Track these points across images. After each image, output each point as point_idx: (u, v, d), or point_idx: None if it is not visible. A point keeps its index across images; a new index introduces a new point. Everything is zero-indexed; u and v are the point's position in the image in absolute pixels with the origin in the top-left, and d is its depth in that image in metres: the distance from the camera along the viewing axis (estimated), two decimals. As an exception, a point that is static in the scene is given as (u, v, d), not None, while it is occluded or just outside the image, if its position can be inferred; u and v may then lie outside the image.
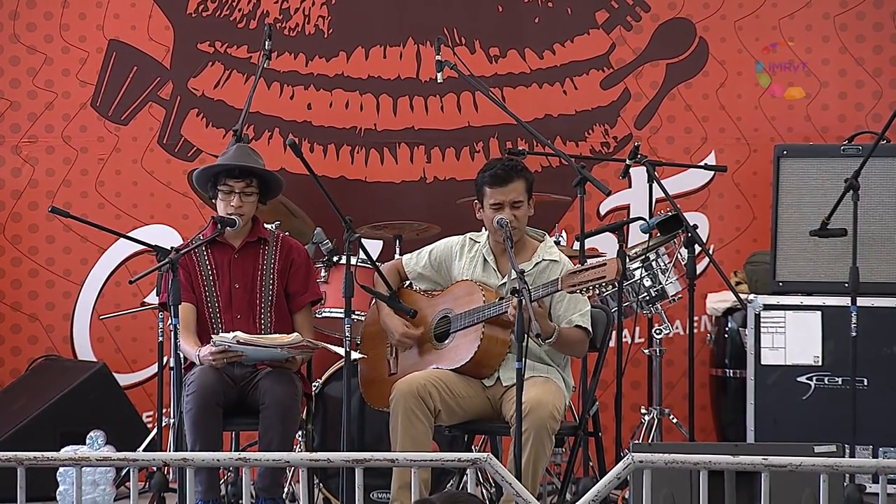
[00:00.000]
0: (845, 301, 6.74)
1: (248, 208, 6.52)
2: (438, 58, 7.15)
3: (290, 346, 6.28)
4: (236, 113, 7.69)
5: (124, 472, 6.83)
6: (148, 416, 7.74)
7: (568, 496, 6.45)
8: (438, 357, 6.35)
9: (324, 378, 6.81)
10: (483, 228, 6.45)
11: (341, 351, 6.24)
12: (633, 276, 7.09)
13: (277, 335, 6.39)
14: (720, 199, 8.08)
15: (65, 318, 8.00)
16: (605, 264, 5.90)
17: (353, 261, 6.40)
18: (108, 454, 6.50)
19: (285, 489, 6.68)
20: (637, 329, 7.58)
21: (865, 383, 6.93)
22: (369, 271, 6.55)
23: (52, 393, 7.38)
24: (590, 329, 6.27)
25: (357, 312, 6.62)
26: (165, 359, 6.62)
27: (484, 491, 6.60)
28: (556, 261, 6.33)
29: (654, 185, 7.29)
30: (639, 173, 7.58)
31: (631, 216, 7.64)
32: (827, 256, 7.10)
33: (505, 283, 6.29)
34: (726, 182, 8.03)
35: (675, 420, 7.27)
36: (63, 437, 7.07)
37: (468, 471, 5.47)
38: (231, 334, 6.26)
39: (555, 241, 6.86)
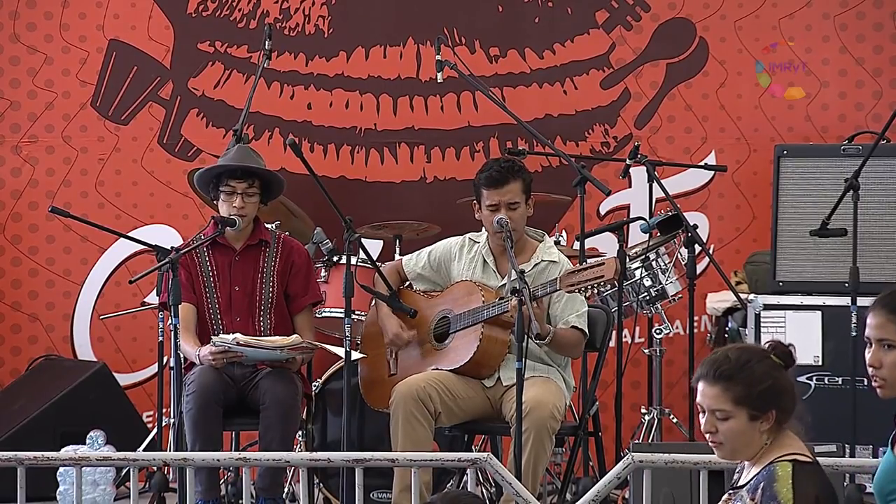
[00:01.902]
0: (845, 301, 6.74)
1: (250, 209, 6.52)
2: (438, 58, 7.15)
3: (290, 348, 6.28)
4: (236, 113, 7.69)
5: (124, 472, 6.83)
6: (148, 416, 7.74)
7: (568, 496, 6.45)
8: (438, 358, 6.35)
9: (324, 378, 6.81)
10: (482, 229, 6.45)
11: (341, 352, 6.24)
12: (634, 275, 7.09)
13: (277, 337, 6.39)
14: (720, 199, 8.08)
15: (65, 318, 7.99)
16: (603, 264, 5.91)
17: (353, 261, 6.40)
18: (108, 454, 6.51)
19: (285, 489, 6.68)
20: (637, 329, 7.58)
21: (865, 383, 6.92)
22: (369, 271, 6.56)
23: (52, 393, 7.37)
24: (586, 330, 6.27)
25: (357, 312, 6.62)
26: (165, 359, 6.62)
27: (484, 491, 6.60)
28: (555, 261, 6.33)
29: (654, 184, 7.29)
30: (639, 173, 7.58)
31: (631, 216, 7.63)
32: (827, 256, 7.09)
33: (504, 283, 6.29)
34: (726, 182, 8.03)
35: (675, 420, 7.27)
36: (63, 437, 7.06)
37: (468, 471, 5.48)
38: (231, 336, 6.27)
39: (555, 241, 6.86)
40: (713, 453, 3.89)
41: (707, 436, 3.93)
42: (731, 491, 4.01)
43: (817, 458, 3.94)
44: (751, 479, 3.90)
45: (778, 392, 3.89)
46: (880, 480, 3.91)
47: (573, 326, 6.23)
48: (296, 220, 7.31)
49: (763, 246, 7.57)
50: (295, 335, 6.39)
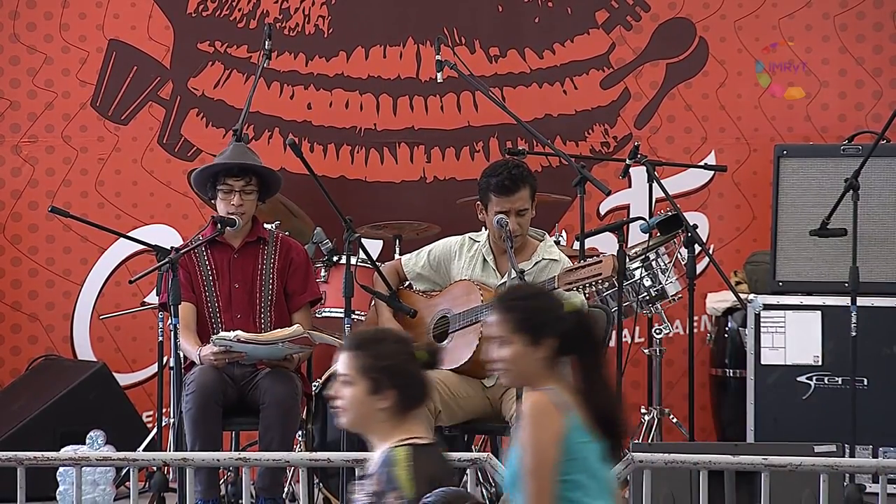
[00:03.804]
0: (845, 301, 6.74)
1: (248, 206, 6.51)
2: (438, 58, 7.15)
3: (291, 340, 6.27)
4: (236, 113, 7.69)
5: (124, 472, 6.82)
6: (148, 416, 7.74)
7: (568, 496, 6.44)
8: (438, 357, 6.35)
9: (324, 378, 6.81)
10: (483, 228, 6.46)
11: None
12: (633, 275, 7.09)
13: (277, 330, 6.38)
14: (720, 199, 8.07)
15: (65, 318, 7.99)
16: (601, 261, 5.91)
17: (353, 261, 6.40)
18: (108, 454, 6.51)
19: (285, 489, 6.68)
20: (637, 329, 7.58)
21: (865, 383, 6.93)
22: (369, 271, 6.56)
23: (52, 393, 7.37)
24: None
25: (357, 312, 6.62)
26: (165, 359, 6.62)
27: (484, 491, 6.59)
28: (555, 260, 6.33)
29: (654, 184, 7.29)
30: (639, 173, 7.58)
31: (631, 216, 7.63)
32: (827, 256, 7.10)
33: (504, 282, 6.29)
34: (726, 182, 8.03)
35: (675, 420, 7.27)
36: (63, 437, 7.06)
37: (468, 471, 5.48)
38: (232, 333, 6.26)
39: (555, 241, 6.86)
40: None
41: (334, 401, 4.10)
42: (362, 481, 4.12)
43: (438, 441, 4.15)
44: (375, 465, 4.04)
45: (400, 374, 4.03)
46: (509, 474, 4.09)
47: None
48: (296, 220, 7.31)
49: (763, 246, 7.57)
50: (296, 325, 6.36)
